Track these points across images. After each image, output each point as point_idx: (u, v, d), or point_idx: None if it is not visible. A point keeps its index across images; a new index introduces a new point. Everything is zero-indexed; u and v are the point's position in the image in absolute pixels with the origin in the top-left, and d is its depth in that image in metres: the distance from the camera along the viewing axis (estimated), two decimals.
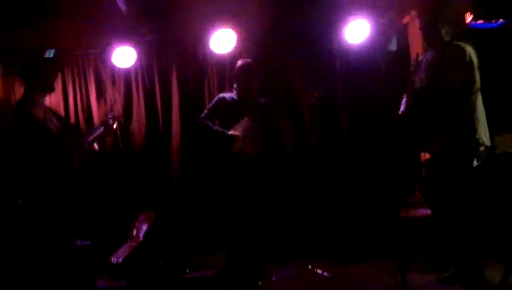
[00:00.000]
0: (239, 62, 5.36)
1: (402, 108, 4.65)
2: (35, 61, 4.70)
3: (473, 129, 4.29)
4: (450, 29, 4.44)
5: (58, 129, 4.63)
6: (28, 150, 4.39)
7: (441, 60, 4.34)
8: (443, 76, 4.28)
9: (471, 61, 4.28)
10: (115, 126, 5.10)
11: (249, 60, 5.40)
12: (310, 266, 5.26)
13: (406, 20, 5.88)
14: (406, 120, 4.53)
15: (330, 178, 6.37)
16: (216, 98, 5.37)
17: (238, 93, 5.30)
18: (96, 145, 4.86)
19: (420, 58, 4.63)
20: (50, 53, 5.49)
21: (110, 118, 5.04)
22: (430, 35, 4.54)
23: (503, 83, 5.21)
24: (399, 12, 5.89)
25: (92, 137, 4.84)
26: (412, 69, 4.69)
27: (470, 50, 4.30)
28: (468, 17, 5.35)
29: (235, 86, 5.35)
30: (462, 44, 4.34)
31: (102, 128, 4.96)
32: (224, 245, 5.37)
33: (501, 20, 5.43)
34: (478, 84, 4.30)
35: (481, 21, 5.38)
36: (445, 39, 4.44)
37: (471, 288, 4.17)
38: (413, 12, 5.71)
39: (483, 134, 4.34)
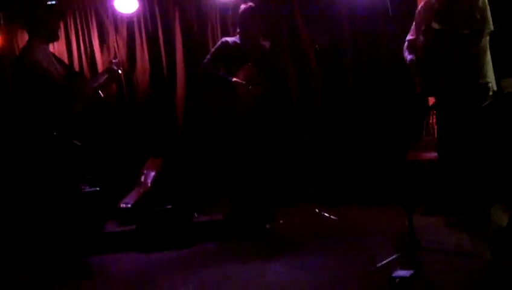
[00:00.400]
0: (242, 6, 5.30)
1: (408, 52, 4.62)
2: (38, 10, 4.64)
3: (484, 74, 4.29)
4: None
5: (63, 75, 4.61)
6: (31, 96, 4.40)
7: (449, 3, 4.29)
8: (458, 18, 4.22)
9: (485, 2, 4.23)
10: (120, 72, 5.07)
11: (252, 4, 5.34)
12: (317, 210, 5.32)
13: None
14: (421, 61, 4.48)
15: (335, 122, 6.37)
16: (219, 42, 5.31)
17: (241, 38, 5.24)
18: (101, 92, 4.85)
19: (427, 4, 4.56)
20: (52, 1, 5.44)
21: (114, 63, 5.00)
22: None
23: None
24: None
25: (96, 84, 4.82)
26: (420, 9, 4.63)
27: None
28: None
29: (238, 30, 5.30)
30: None
31: (106, 75, 4.94)
32: (230, 190, 5.42)
33: None
34: (491, 26, 4.26)
35: None
36: None
37: (476, 232, 4.21)
38: None
39: (492, 78, 4.34)
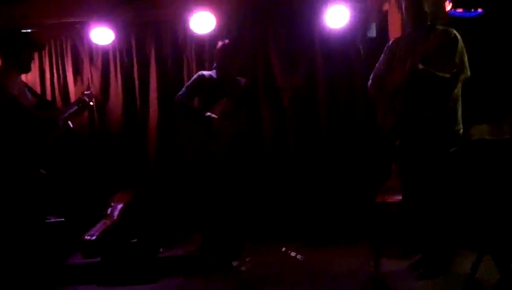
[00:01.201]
0: (220, 43, 5.34)
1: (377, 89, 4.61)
2: (13, 39, 4.62)
3: (458, 120, 4.33)
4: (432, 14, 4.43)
5: (33, 105, 4.58)
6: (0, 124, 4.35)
7: (430, 44, 4.26)
8: (438, 60, 4.20)
9: (463, 48, 4.27)
10: (91, 103, 5.05)
11: (229, 41, 5.38)
12: (283, 249, 5.29)
13: (385, 7, 5.89)
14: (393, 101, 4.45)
15: (307, 161, 6.37)
16: (196, 76, 5.32)
17: (217, 73, 5.27)
18: (70, 123, 4.82)
19: (400, 41, 4.60)
20: (28, 31, 5.43)
21: (86, 94, 5.00)
22: (418, 16, 4.40)
23: (482, 73, 5.24)
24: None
25: (67, 114, 4.80)
26: (392, 45, 4.66)
27: (459, 38, 4.28)
28: (448, 5, 5.38)
29: (215, 65, 5.33)
30: (454, 30, 4.32)
31: (79, 105, 4.92)
32: (199, 226, 5.38)
33: (479, 9, 5.47)
34: (469, 72, 4.30)
35: (460, 10, 5.42)
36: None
37: (440, 278, 4.21)
38: (393, 0, 5.72)
39: (461, 124, 4.38)
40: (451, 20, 5.34)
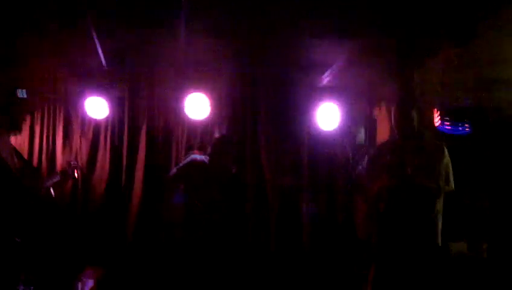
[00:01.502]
0: (217, 134, 5.43)
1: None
2: (5, 99, 4.67)
3: (435, 232, 4.30)
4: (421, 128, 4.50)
5: (17, 169, 4.57)
6: None
7: (419, 157, 4.31)
8: (421, 172, 4.26)
9: (449, 161, 4.32)
10: (76, 175, 5.05)
11: (227, 135, 5.47)
12: None
13: (375, 112, 6.01)
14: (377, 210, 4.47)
15: (288, 261, 6.35)
16: (188, 159, 5.35)
17: (210, 160, 5.31)
18: (52, 191, 4.80)
19: (384, 149, 4.65)
20: (22, 93, 5.47)
21: (72, 166, 5.01)
22: (406, 126, 4.45)
23: (465, 189, 5.29)
24: (370, 105, 6.03)
25: (49, 183, 4.80)
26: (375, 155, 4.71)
27: (446, 150, 4.35)
28: (437, 121, 5.50)
29: (209, 151, 5.36)
30: (442, 142, 4.40)
31: (59, 177, 4.92)
32: None
33: (467, 126, 5.59)
34: (453, 185, 4.34)
35: (448, 125, 5.54)
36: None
37: None
38: (383, 108, 5.84)
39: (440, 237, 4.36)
40: (440, 135, 5.46)
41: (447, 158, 4.34)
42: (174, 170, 5.31)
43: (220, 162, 5.28)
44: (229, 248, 5.34)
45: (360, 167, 4.64)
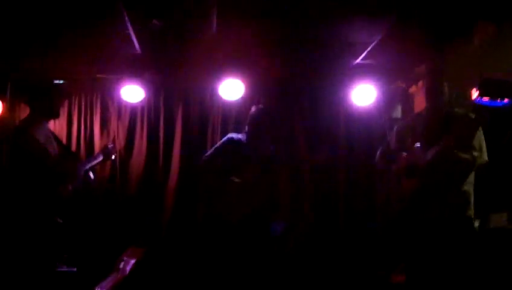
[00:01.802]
0: (254, 107, 5.39)
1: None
2: (44, 87, 4.73)
3: (468, 205, 4.21)
4: (457, 101, 4.44)
5: (57, 154, 4.64)
6: (23, 171, 4.40)
7: (450, 130, 4.22)
8: (458, 143, 4.16)
9: (481, 133, 4.26)
10: (113, 157, 5.11)
11: (264, 107, 5.45)
12: None
13: (412, 89, 5.95)
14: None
15: (323, 238, 6.39)
16: (225, 139, 5.31)
17: (248, 138, 5.28)
18: (91, 174, 4.87)
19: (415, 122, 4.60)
20: (60, 82, 5.56)
21: (110, 148, 5.07)
22: (438, 99, 4.44)
23: (502, 161, 5.22)
24: (407, 81, 5.97)
25: (89, 165, 4.86)
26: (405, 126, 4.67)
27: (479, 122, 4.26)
28: (474, 93, 5.41)
29: (246, 128, 5.33)
30: (473, 114, 4.30)
31: (100, 158, 4.99)
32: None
33: (506, 99, 5.49)
34: (486, 157, 4.25)
35: (486, 98, 5.45)
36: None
37: None
38: (420, 83, 5.78)
39: (473, 210, 4.28)
40: (477, 108, 5.37)
41: (480, 131, 4.26)
42: (211, 150, 5.30)
43: (258, 137, 5.23)
44: (264, 227, 5.31)
45: (389, 140, 4.56)
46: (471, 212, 4.25)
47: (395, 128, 4.67)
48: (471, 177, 4.28)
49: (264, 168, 5.14)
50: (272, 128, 5.34)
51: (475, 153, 4.17)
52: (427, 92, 4.52)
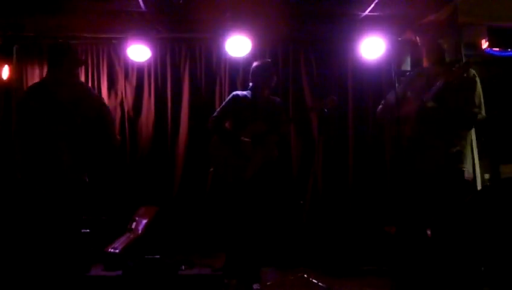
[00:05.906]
0: (257, 62, 5.36)
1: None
2: (57, 51, 4.65)
3: (460, 159, 4.21)
4: (467, 52, 4.42)
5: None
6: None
7: (449, 83, 4.17)
8: (457, 98, 4.18)
9: (480, 89, 4.25)
10: None
11: (265, 60, 5.44)
12: (305, 275, 5.26)
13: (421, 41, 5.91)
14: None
15: (332, 190, 6.46)
16: (230, 97, 5.29)
17: (253, 92, 5.26)
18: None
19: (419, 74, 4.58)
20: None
21: None
22: (435, 52, 4.43)
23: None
24: (415, 33, 5.93)
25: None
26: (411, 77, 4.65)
27: (478, 79, 4.27)
28: (484, 44, 5.39)
29: (251, 84, 5.31)
30: (472, 70, 4.29)
31: None
32: (224, 246, 5.41)
33: None
34: (484, 113, 4.25)
35: (496, 49, 5.42)
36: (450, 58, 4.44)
37: None
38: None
39: (469, 165, 4.28)
40: (487, 57, 5.36)
41: (478, 86, 4.25)
42: (218, 110, 5.29)
43: (262, 89, 5.22)
44: (274, 181, 5.34)
45: (396, 89, 4.53)
46: (464, 165, 4.23)
47: (403, 79, 4.65)
48: (467, 133, 4.30)
49: (271, 122, 5.13)
50: (274, 80, 5.30)
51: (475, 110, 4.18)
52: (425, 46, 4.53)
